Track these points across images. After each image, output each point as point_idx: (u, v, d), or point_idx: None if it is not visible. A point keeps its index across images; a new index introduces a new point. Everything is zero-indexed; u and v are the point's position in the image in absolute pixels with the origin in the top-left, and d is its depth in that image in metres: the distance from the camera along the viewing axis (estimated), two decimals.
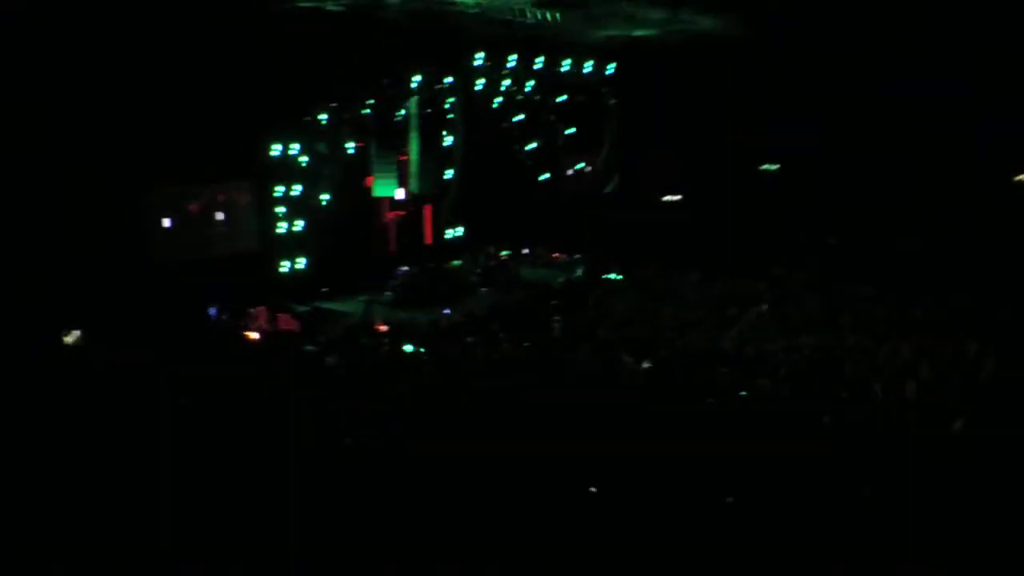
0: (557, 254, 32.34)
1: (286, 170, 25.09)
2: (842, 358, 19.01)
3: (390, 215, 29.31)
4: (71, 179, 18.24)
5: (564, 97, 32.04)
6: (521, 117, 31.32)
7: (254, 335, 22.47)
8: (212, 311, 22.43)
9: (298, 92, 23.76)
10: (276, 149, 24.62)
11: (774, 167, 36.34)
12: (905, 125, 29.17)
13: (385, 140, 26.77)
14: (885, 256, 29.25)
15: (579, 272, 30.97)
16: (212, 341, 20.41)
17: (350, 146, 26.42)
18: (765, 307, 24.11)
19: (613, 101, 33.28)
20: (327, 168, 26.14)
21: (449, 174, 29.42)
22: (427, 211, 30.62)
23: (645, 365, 19.23)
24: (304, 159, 25.44)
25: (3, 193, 16.64)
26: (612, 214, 33.60)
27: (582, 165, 36.87)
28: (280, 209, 25.16)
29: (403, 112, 27.31)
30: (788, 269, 29.54)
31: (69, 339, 17.79)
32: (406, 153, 27.96)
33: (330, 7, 20.50)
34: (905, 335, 20.62)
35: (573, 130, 33.32)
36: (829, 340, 20.52)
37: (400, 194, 28.78)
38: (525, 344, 21.52)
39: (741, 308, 23.98)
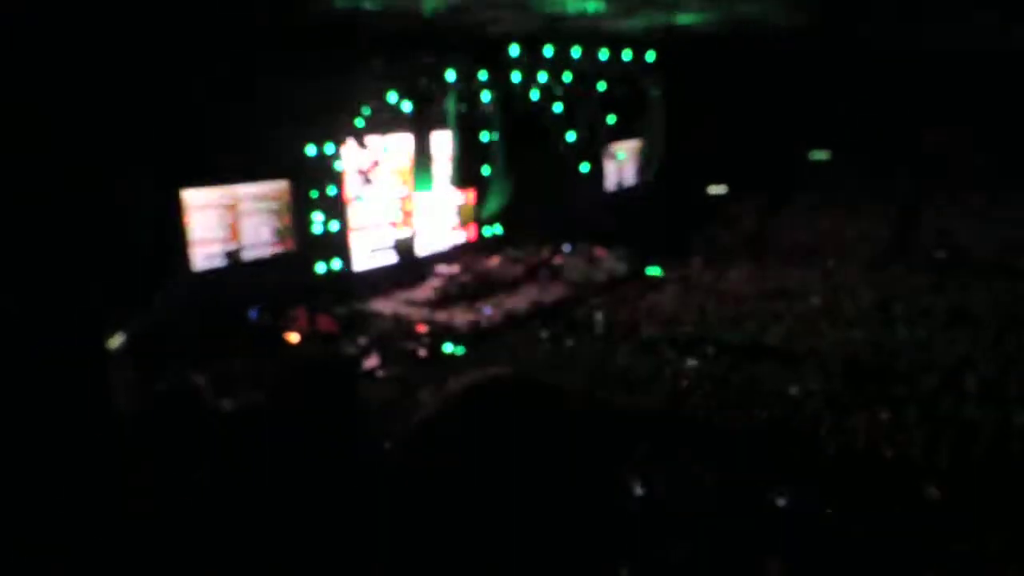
0: (599, 250, 32.28)
1: (322, 170, 25.42)
2: (895, 352, 18.73)
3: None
4: (106, 178, 18.66)
5: (604, 87, 31.93)
6: (560, 109, 31.26)
7: (295, 337, 22.85)
8: (252, 313, 22.84)
9: (333, 93, 24.07)
10: (312, 149, 24.97)
11: (824, 155, 35.85)
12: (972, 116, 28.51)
13: (422, 135, 26.96)
14: (942, 244, 28.66)
15: (622, 268, 30.93)
16: (254, 342, 20.83)
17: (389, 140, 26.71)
18: (816, 300, 23.80)
19: (655, 91, 33.04)
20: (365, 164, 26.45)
21: (487, 170, 29.52)
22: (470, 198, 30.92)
23: (691, 363, 19.17)
24: (341, 159, 25.77)
25: (33, 196, 17.08)
26: (655, 207, 33.44)
27: (623, 156, 36.67)
28: (317, 210, 25.49)
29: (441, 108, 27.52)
30: (840, 259, 29.22)
31: (113, 343, 18.33)
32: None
33: (367, 6, 20.69)
34: (964, 327, 20.21)
35: (614, 120, 33.15)
36: (882, 334, 20.21)
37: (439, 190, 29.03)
38: (567, 344, 21.59)
39: (791, 302, 23.81)
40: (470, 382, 1.34)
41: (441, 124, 27.35)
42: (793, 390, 17.19)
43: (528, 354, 20.97)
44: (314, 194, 25.43)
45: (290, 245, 25.53)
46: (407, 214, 29.37)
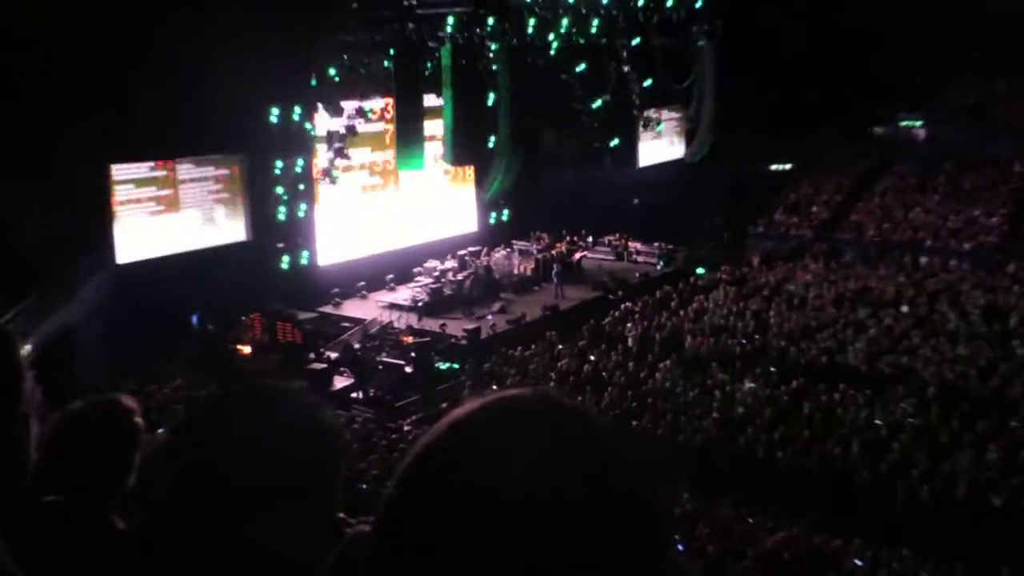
0: (632, 242, 32.10)
1: (285, 141, 25.29)
2: (1009, 376, 18.41)
3: None
4: (13, 152, 18.49)
5: (639, 39, 31.76)
6: (584, 67, 31.09)
7: (246, 348, 22.67)
8: (194, 318, 22.70)
9: (298, 41, 23.92)
10: (274, 115, 24.82)
11: (918, 123, 35.56)
12: None
13: (411, 100, 26.77)
14: None
15: (661, 265, 30.76)
16: (193, 356, 20.66)
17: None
18: (906, 308, 23.64)
19: (704, 42, 32.82)
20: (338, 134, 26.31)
21: (492, 142, 29.34)
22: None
23: (747, 386, 18.94)
24: (310, 126, 25.63)
25: None
26: (704, 189, 33.25)
27: (662, 126, 36.51)
28: (280, 189, 25.35)
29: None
30: (939, 255, 28.91)
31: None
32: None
33: None
34: None
35: (651, 81, 32.95)
36: (993, 352, 19.90)
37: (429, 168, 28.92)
38: (590, 359, 21.39)
39: (874, 310, 23.61)
40: (479, 408, 1.29)
41: (434, 85, 27.20)
42: (878, 422, 16.93)
43: (542, 372, 20.75)
44: (275, 171, 25.35)
45: (243, 234, 25.48)
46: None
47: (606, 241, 32.53)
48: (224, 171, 25.15)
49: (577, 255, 30.67)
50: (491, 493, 1.19)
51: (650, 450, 16.10)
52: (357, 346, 22.98)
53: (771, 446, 16.37)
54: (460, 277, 27.70)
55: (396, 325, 24.61)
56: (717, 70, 32.87)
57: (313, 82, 25.25)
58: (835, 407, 17.64)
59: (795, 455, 16.04)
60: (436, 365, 21.91)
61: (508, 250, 30.46)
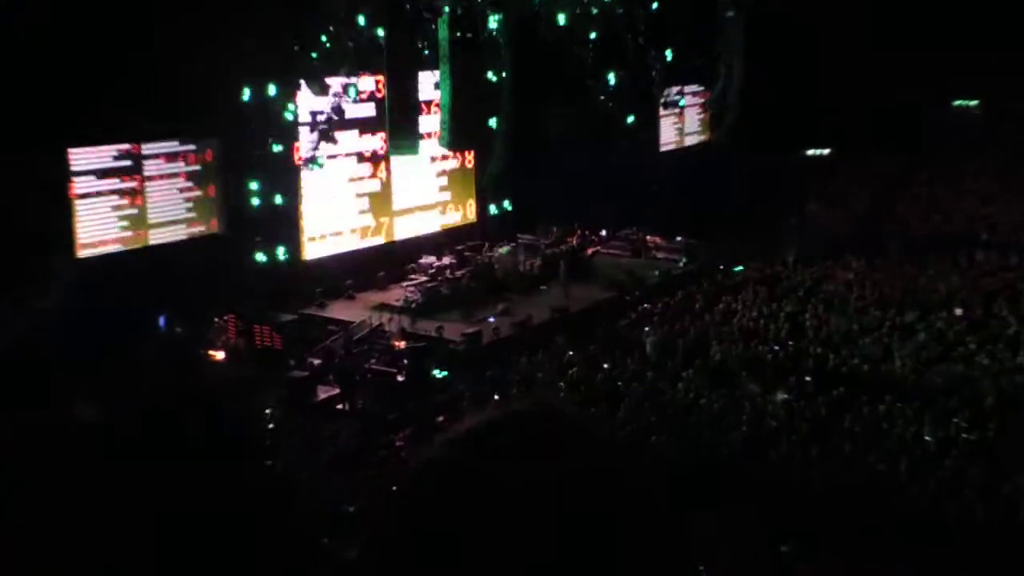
0: (651, 237, 32.09)
1: (263, 123, 25.32)
2: None
3: None
4: None
5: (659, 5, 31.71)
6: (596, 39, 31.09)
7: (219, 354, 22.70)
8: (161, 320, 22.74)
9: (277, 11, 23.94)
10: (250, 94, 24.88)
11: (973, 102, 35.51)
12: None
13: (402, 76, 26.80)
14: None
15: (683, 262, 30.75)
16: (158, 362, 20.68)
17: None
18: (960, 311, 23.59)
19: (732, 10, 32.77)
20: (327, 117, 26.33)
21: (494, 123, 29.36)
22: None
23: (780, 397, 18.95)
24: (291, 108, 25.65)
25: None
26: (730, 176, 33.22)
27: (684, 103, 36.45)
28: (256, 177, 25.39)
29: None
30: (996, 252, 28.86)
31: None
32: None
33: None
34: None
35: (673, 55, 32.92)
36: None
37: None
38: (604, 367, 21.40)
39: (924, 313, 23.59)
40: (482, 424, 1.35)
41: (430, 60, 27.22)
42: (927, 438, 16.91)
43: (550, 382, 20.74)
44: (252, 156, 25.37)
45: (216, 226, 25.48)
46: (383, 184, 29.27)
47: (622, 235, 32.51)
48: (195, 156, 25.17)
49: (589, 251, 30.69)
50: (494, 518, 1.20)
51: (670, 468, 16.07)
52: (343, 352, 22.96)
53: (807, 464, 16.35)
54: (459, 275, 27.70)
55: (387, 328, 24.61)
56: (746, 42, 32.79)
57: (316, 56, 25.32)
58: (879, 421, 17.63)
59: (834, 474, 16.00)
60: (431, 374, 21.87)
61: (512, 245, 30.46)
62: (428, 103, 28.19)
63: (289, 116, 25.86)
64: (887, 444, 16.75)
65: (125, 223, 23.70)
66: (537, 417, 1.33)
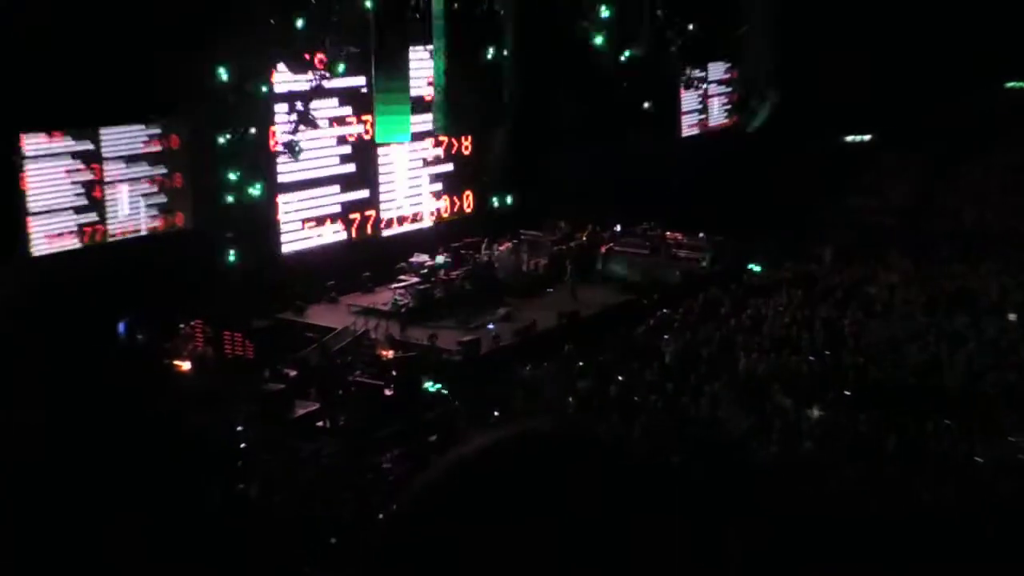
0: (670, 233, 32.12)
1: (236, 105, 25.38)
2: None
3: None
4: None
5: None
6: (609, 11, 31.13)
7: (185, 364, 22.74)
8: (121, 326, 22.79)
9: None
10: (223, 74, 24.93)
11: None
12: None
13: (392, 52, 26.88)
14: None
15: (706, 262, 30.79)
16: (118, 371, 20.75)
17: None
18: (1014, 316, 23.61)
19: None
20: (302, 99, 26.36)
21: (494, 107, 29.41)
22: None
23: (815, 413, 18.98)
24: (267, 88, 25.69)
25: None
26: (760, 166, 33.26)
27: (708, 83, 36.40)
28: (229, 165, 25.44)
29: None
30: None
31: None
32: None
33: None
34: None
35: (695, 28, 32.95)
36: None
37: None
38: (618, 379, 21.42)
39: (975, 318, 23.59)
40: (490, 445, 1.37)
41: (421, 33, 27.27)
42: (979, 459, 16.89)
43: (556, 397, 20.76)
44: (223, 142, 25.41)
45: (182, 220, 25.51)
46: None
47: (638, 231, 32.51)
48: (159, 142, 25.21)
49: (601, 248, 30.69)
50: (504, 552, 1.22)
51: (691, 491, 16.06)
52: (324, 363, 22.97)
53: (846, 488, 16.32)
54: (454, 275, 27.72)
55: (374, 336, 24.62)
56: (778, 14, 32.80)
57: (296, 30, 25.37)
58: (927, 439, 17.62)
59: (876, 500, 16.00)
60: (423, 387, 21.88)
61: (515, 242, 30.50)
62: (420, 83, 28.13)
63: (265, 97, 25.85)
64: (931, 470, 16.70)
65: (81, 216, 23.72)
66: (553, 438, 1.35)
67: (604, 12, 31.04)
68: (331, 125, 28.31)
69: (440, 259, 28.38)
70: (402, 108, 26.74)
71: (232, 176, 25.52)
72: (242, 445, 18.60)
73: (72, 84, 21.57)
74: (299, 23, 25.68)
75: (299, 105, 26.45)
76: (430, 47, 27.18)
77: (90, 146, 24.00)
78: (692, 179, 32.70)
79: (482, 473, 1.30)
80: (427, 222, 31.06)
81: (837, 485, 16.49)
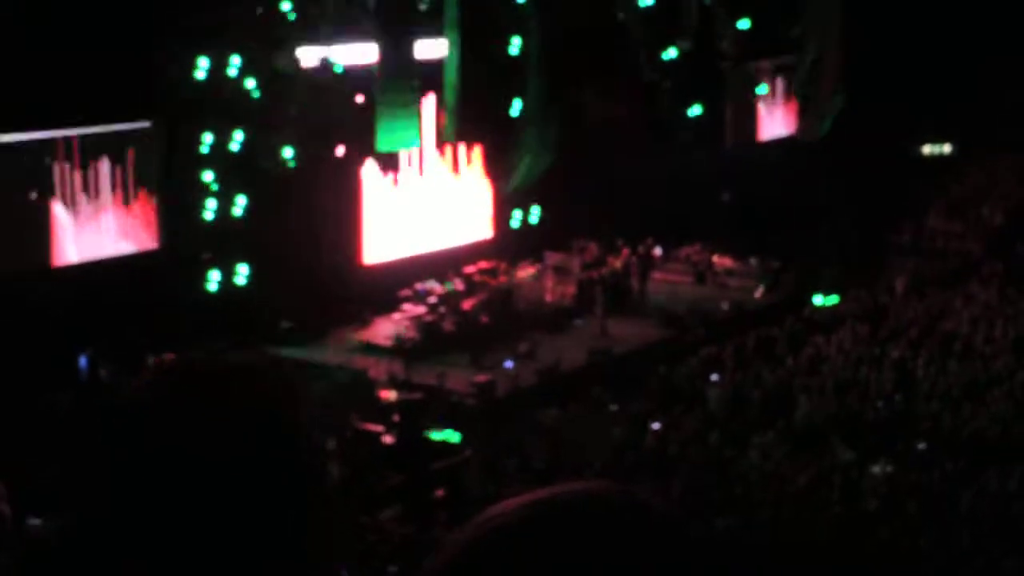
0: (718, 258, 32.15)
1: (217, 105, 25.59)
2: None
3: None
4: None
5: None
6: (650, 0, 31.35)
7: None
8: (82, 360, 22.96)
9: None
10: (202, 69, 25.07)
11: None
12: None
13: (400, 50, 27.02)
14: None
15: (760, 291, 31.00)
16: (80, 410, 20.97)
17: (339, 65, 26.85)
18: None
19: None
20: (293, 100, 26.58)
21: (516, 109, 29.55)
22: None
23: (879, 469, 19.01)
24: (252, 84, 25.88)
25: None
26: (821, 180, 33.22)
27: (765, 88, 36.50)
28: (207, 174, 25.58)
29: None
30: None
31: None
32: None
33: None
34: None
35: (749, 24, 33.08)
36: None
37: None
38: (654, 428, 21.50)
39: None
40: (523, 509, 1.39)
41: (432, 26, 27.50)
42: None
43: (583, 447, 20.85)
44: (203, 146, 25.63)
45: (154, 238, 25.62)
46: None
47: (682, 255, 32.60)
48: (128, 148, 25.26)
49: (637, 275, 30.75)
50: None
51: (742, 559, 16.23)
52: (316, 405, 23.07)
53: (916, 553, 16.44)
54: (467, 306, 27.94)
55: (373, 375, 24.85)
56: (844, 7, 32.91)
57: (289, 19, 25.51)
58: (1009, 500, 17.69)
59: (951, 565, 16.09)
60: (429, 434, 22.10)
61: (538, 267, 30.65)
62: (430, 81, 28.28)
63: (253, 97, 26.16)
64: (1019, 530, 16.77)
65: (35, 234, 23.96)
66: (598, 504, 1.37)
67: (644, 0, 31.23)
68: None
69: (450, 285, 28.52)
70: (409, 111, 26.84)
71: (211, 189, 25.83)
72: None
73: (28, 81, 21.83)
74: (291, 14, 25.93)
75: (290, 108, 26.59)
76: (442, 40, 27.31)
77: (43, 153, 24.18)
78: (744, 196, 32.81)
79: (522, 541, 1.32)
80: (436, 243, 31.06)
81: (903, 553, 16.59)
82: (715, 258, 32.29)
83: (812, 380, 23.53)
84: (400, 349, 26.12)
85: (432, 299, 27.97)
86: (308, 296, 27.77)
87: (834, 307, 28.98)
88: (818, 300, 29.57)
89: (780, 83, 37.22)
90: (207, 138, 25.69)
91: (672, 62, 32.11)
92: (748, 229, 31.41)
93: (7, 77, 21.40)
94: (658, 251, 32.50)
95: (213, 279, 25.95)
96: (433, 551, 1.39)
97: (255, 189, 26.61)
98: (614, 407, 22.83)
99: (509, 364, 25.66)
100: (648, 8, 31.21)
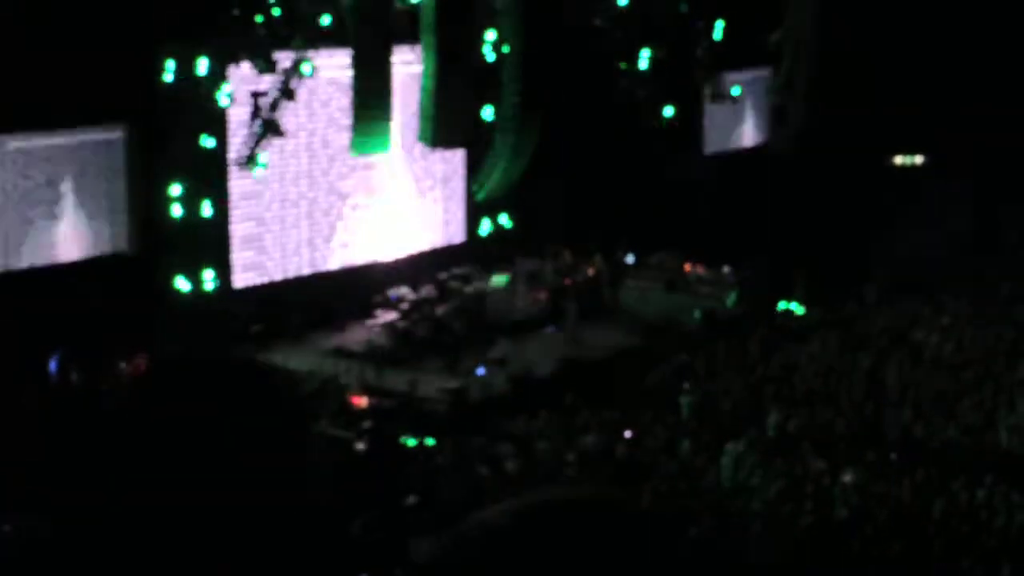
0: (690, 265, 32.24)
1: (189, 108, 25.56)
2: None
3: None
4: None
5: None
6: (627, 4, 31.33)
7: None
8: (52, 363, 22.90)
9: None
10: (170, 71, 25.06)
11: None
12: None
13: (372, 48, 27.03)
14: None
15: (731, 299, 31.07)
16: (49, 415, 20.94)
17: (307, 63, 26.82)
18: None
19: None
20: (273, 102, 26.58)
21: (490, 113, 29.56)
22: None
23: (851, 478, 19.11)
24: (225, 87, 25.84)
25: None
26: (794, 188, 33.31)
27: (739, 91, 36.64)
28: (177, 180, 25.56)
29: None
30: None
31: None
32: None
33: None
34: None
35: (723, 29, 33.12)
36: None
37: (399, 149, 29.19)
38: (625, 436, 21.55)
39: None
40: (517, 510, 1.48)
41: (406, 32, 27.49)
42: None
43: (554, 455, 20.89)
44: (173, 152, 25.52)
45: (123, 243, 25.54)
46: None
47: (653, 262, 32.66)
48: (95, 152, 25.21)
49: (609, 281, 30.80)
50: None
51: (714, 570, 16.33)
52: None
53: (886, 565, 16.52)
54: (439, 312, 27.96)
55: (344, 380, 24.80)
56: (817, 13, 32.98)
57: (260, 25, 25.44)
58: (979, 509, 17.73)
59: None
60: (400, 441, 22.07)
61: (510, 273, 30.70)
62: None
63: (221, 103, 26.01)
64: (988, 541, 16.83)
65: (6, 236, 23.85)
66: (581, 506, 1.54)
67: (621, 0, 31.19)
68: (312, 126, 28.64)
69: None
70: (382, 115, 26.84)
71: (181, 191, 25.72)
72: None
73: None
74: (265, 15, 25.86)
75: (263, 110, 26.54)
76: (417, 45, 27.28)
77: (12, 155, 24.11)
78: (717, 203, 32.91)
79: (507, 540, 1.50)
80: (408, 248, 31.15)
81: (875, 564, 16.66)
82: (686, 266, 32.38)
83: (783, 389, 23.60)
84: (371, 354, 26.11)
85: (404, 305, 28.00)
86: (278, 300, 27.86)
87: (805, 316, 29.12)
88: (789, 309, 29.67)
89: (754, 93, 37.33)
90: (175, 142, 25.66)
91: (647, 68, 32.09)
92: (720, 236, 31.48)
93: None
94: (630, 258, 32.58)
95: (182, 283, 25.85)
96: (414, 553, 1.49)
97: (227, 193, 26.63)
98: (583, 416, 22.80)
99: (481, 371, 25.67)
100: (623, 14, 31.18)
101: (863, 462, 19.85)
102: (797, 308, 29.58)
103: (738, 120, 37.76)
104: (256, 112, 26.21)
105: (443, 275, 29.83)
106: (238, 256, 27.64)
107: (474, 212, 32.05)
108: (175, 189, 25.63)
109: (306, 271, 28.93)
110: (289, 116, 26.94)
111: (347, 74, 26.89)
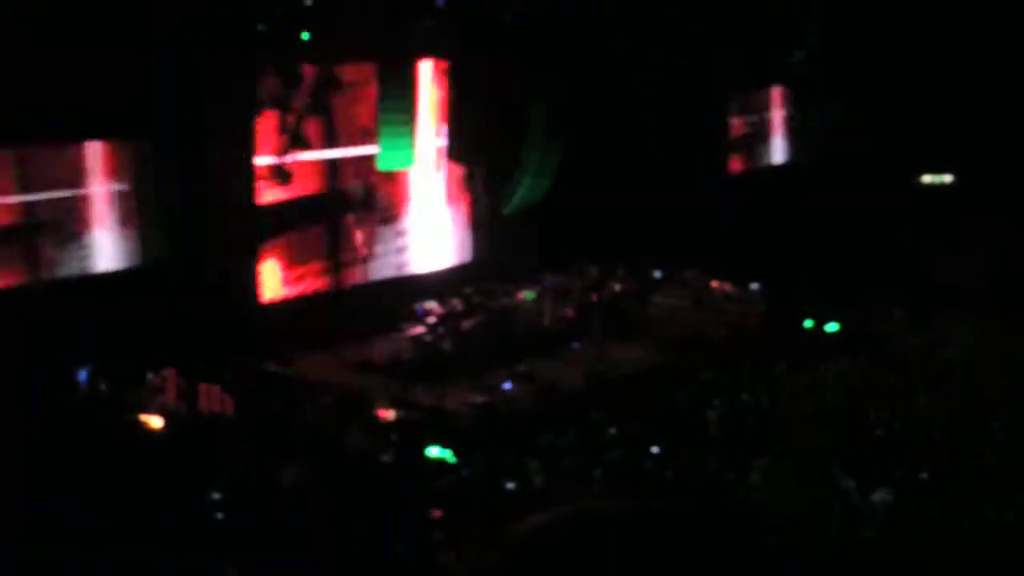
0: (718, 282, 32.24)
1: (219, 118, 25.63)
2: None
3: None
4: None
5: None
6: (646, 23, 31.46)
7: (155, 420, 22.95)
8: (82, 374, 23.04)
9: None
10: (200, 83, 25.17)
11: None
12: None
13: (398, 64, 27.15)
14: None
15: (759, 316, 31.02)
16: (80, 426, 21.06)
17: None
18: None
19: None
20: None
21: (517, 134, 29.63)
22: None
23: (881, 496, 19.09)
24: (244, 105, 25.96)
25: None
26: (820, 208, 33.30)
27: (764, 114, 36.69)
28: (205, 191, 25.65)
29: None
30: None
31: None
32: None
33: None
34: None
35: (746, 46, 33.16)
36: None
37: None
38: (651, 450, 21.57)
39: None
40: (549, 522, 1.50)
41: (434, 45, 27.59)
42: None
43: (582, 468, 20.90)
44: (202, 163, 25.60)
45: (151, 254, 25.79)
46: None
47: (680, 279, 32.68)
48: (122, 161, 25.37)
49: (635, 297, 30.83)
50: None
51: None
52: (313, 424, 23.13)
53: None
54: (465, 326, 28.10)
55: (371, 394, 24.85)
56: (835, 28, 33.01)
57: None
58: (1009, 529, 17.66)
59: None
60: (427, 454, 22.12)
61: (536, 288, 30.81)
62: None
63: (244, 115, 26.27)
64: (1019, 560, 16.84)
65: (37, 247, 24.09)
66: (610, 518, 1.45)
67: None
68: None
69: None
70: (405, 131, 26.99)
71: (206, 202, 25.91)
72: (218, 515, 18.86)
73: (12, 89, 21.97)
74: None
75: (289, 122, 26.73)
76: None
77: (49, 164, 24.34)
78: (744, 220, 32.86)
79: (540, 553, 1.43)
80: (435, 263, 31.32)
81: None
82: (714, 282, 32.37)
83: (811, 407, 23.53)
84: (398, 368, 26.18)
85: (431, 319, 28.09)
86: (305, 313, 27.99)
87: (833, 333, 29.08)
88: (819, 326, 29.65)
89: (779, 110, 37.39)
90: (200, 151, 25.81)
91: (670, 85, 32.16)
92: (748, 253, 31.47)
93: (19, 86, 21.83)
94: (657, 274, 32.60)
95: (209, 293, 25.98)
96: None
97: (256, 205, 26.76)
98: (611, 431, 22.84)
99: (508, 385, 25.73)
100: (642, 25, 31.29)
101: (892, 480, 19.84)
102: (829, 326, 29.51)
103: (765, 137, 37.81)
104: (284, 125, 26.42)
105: (470, 289, 29.91)
106: (265, 269, 27.79)
107: (501, 227, 32.08)
108: (203, 200, 25.80)
109: (335, 286, 29.01)
110: (315, 128, 27.10)
111: (373, 88, 27.06)
